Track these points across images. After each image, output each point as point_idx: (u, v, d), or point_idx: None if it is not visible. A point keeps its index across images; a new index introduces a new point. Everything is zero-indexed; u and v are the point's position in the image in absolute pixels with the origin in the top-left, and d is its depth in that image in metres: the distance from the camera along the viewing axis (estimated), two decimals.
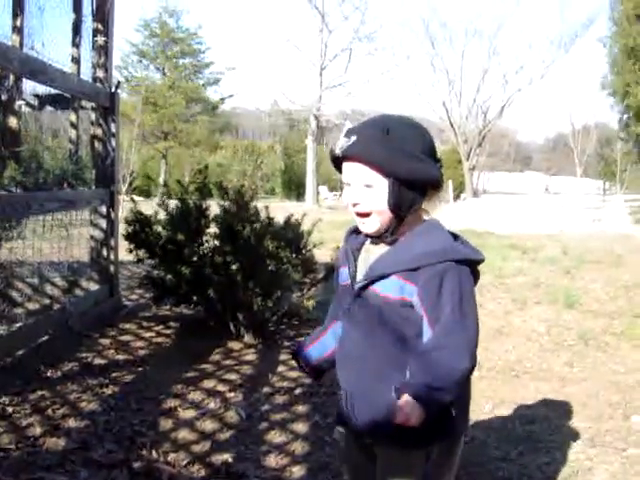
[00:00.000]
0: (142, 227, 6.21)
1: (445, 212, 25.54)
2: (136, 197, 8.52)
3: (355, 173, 2.02)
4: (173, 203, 6.33)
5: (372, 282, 2.04)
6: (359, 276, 2.12)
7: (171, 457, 3.62)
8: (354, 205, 2.05)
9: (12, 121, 6.69)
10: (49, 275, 6.74)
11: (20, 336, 5.26)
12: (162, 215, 6.25)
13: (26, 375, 4.75)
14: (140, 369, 5.13)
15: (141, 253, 6.29)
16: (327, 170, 42.42)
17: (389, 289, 2.01)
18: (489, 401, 4.73)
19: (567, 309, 7.73)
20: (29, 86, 6.79)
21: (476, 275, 2.08)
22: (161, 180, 40.01)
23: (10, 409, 4.15)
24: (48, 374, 4.87)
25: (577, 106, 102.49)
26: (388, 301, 2.01)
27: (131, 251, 6.32)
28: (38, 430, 3.86)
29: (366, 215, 2.05)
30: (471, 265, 2.03)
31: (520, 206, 30.70)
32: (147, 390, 4.66)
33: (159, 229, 6.21)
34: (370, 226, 2.06)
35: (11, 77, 6.56)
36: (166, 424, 4.10)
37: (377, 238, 2.10)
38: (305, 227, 6.51)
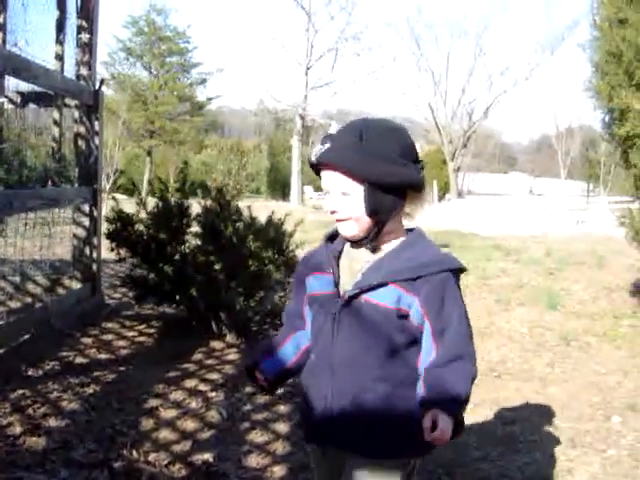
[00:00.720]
0: (124, 226, 6.19)
1: (429, 213, 25.56)
2: (121, 195, 8.52)
3: (331, 180, 2.01)
4: (156, 202, 6.32)
5: (364, 290, 2.00)
6: (345, 284, 2.07)
7: (152, 457, 3.61)
8: (332, 213, 2.04)
9: None
10: (31, 273, 6.71)
11: (1, 335, 5.22)
12: (144, 214, 6.23)
13: (7, 374, 4.72)
14: (122, 368, 5.11)
15: (123, 252, 6.27)
16: None
17: (385, 298, 1.98)
18: (470, 401, 4.73)
19: (549, 310, 7.77)
20: (12, 83, 6.75)
21: None
22: (145, 178, 39.91)
23: None
24: (29, 373, 4.85)
25: (562, 108, 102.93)
26: (382, 310, 1.98)
27: (113, 249, 6.30)
28: (18, 429, 3.84)
29: (344, 221, 2.04)
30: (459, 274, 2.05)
31: (504, 207, 30.81)
32: (128, 390, 4.64)
33: (141, 228, 6.19)
34: (348, 230, 2.04)
35: None
36: (147, 424, 4.09)
37: (356, 243, 2.07)
38: (289, 227, 6.50)
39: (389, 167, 1.95)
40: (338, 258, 2.12)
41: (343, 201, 2.00)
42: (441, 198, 38.55)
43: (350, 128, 2.02)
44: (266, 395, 2.36)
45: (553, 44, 46.02)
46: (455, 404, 1.89)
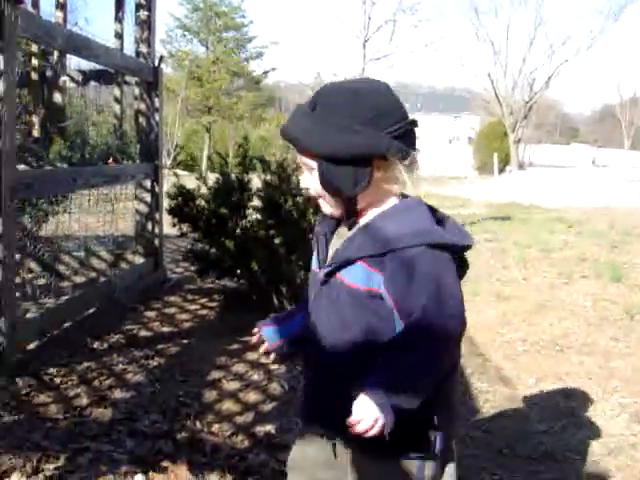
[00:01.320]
0: (185, 201, 6.26)
1: (490, 185, 25.30)
2: (180, 171, 8.60)
3: (298, 156, 1.86)
4: (216, 177, 6.37)
5: (339, 268, 1.81)
6: (329, 261, 1.88)
7: (215, 428, 3.67)
8: (307, 189, 1.91)
9: (57, 97, 6.77)
10: (95, 249, 6.85)
11: (67, 309, 5.35)
12: (205, 189, 6.29)
13: (73, 347, 4.84)
14: (185, 341, 5.19)
15: (185, 227, 6.34)
16: None
17: (355, 277, 1.77)
18: (533, 375, 4.70)
19: (613, 283, 7.64)
20: (74, 62, 6.86)
21: (464, 264, 1.84)
22: (204, 154, 40.24)
23: (58, 380, 4.24)
24: (94, 346, 4.96)
25: (625, 77, 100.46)
26: (354, 291, 1.77)
27: (175, 225, 6.38)
28: (85, 401, 3.94)
29: (318, 198, 1.88)
30: (455, 251, 1.77)
31: (566, 179, 30.32)
32: (191, 362, 4.72)
33: (202, 203, 6.25)
34: (324, 207, 1.88)
35: (55, 53, 6.63)
36: (210, 395, 4.15)
37: (339, 220, 1.90)
38: None
39: (341, 137, 1.72)
40: (332, 235, 1.94)
41: (309, 176, 1.84)
42: (502, 170, 38.02)
43: (310, 97, 1.83)
44: (275, 363, 2.10)
45: (616, 11, 44.96)
46: (384, 395, 1.60)
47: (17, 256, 5.04)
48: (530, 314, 6.22)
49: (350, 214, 1.84)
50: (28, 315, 4.96)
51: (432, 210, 1.84)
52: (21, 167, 5.07)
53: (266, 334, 2.10)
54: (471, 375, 4.68)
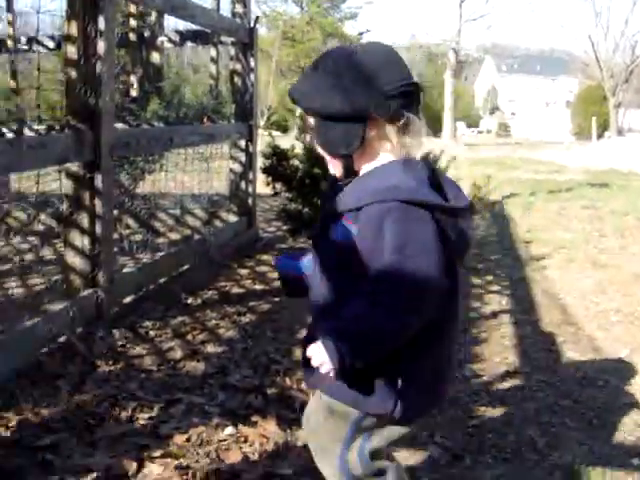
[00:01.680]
0: (279, 160, 6.30)
1: (587, 151, 24.64)
2: (274, 132, 8.69)
3: (305, 117, 1.92)
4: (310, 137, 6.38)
5: (328, 223, 1.87)
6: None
7: (304, 385, 3.72)
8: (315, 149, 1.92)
9: (154, 57, 6.89)
10: (190, 207, 6.98)
11: (163, 264, 5.48)
12: (299, 149, 6.32)
13: (168, 301, 4.96)
14: (276, 299, 5.25)
15: (278, 186, 6.39)
16: (465, 106, 41.49)
17: (337, 232, 1.82)
18: (627, 346, 4.59)
19: None
20: (171, 22, 6.95)
21: (450, 227, 1.77)
22: (297, 115, 40.33)
23: (153, 333, 4.36)
24: (189, 301, 5.07)
25: None
26: (337, 245, 1.83)
27: (268, 184, 6.44)
28: (179, 354, 4.05)
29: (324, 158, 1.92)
30: (443, 212, 1.75)
31: None
32: (282, 319, 4.78)
33: (296, 163, 6.28)
34: (330, 168, 1.92)
35: (153, 14, 6.73)
36: (300, 353, 4.19)
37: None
38: (442, 164, 6.42)
39: (332, 93, 1.76)
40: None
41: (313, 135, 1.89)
42: (600, 136, 36.93)
43: (314, 60, 1.87)
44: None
45: None
46: (333, 338, 1.69)
47: (115, 212, 5.19)
48: (626, 284, 6.06)
49: (348, 173, 1.87)
50: (125, 270, 5.11)
51: (432, 171, 1.86)
52: (119, 126, 5.20)
53: (275, 263, 2.20)
54: (563, 344, 4.60)
